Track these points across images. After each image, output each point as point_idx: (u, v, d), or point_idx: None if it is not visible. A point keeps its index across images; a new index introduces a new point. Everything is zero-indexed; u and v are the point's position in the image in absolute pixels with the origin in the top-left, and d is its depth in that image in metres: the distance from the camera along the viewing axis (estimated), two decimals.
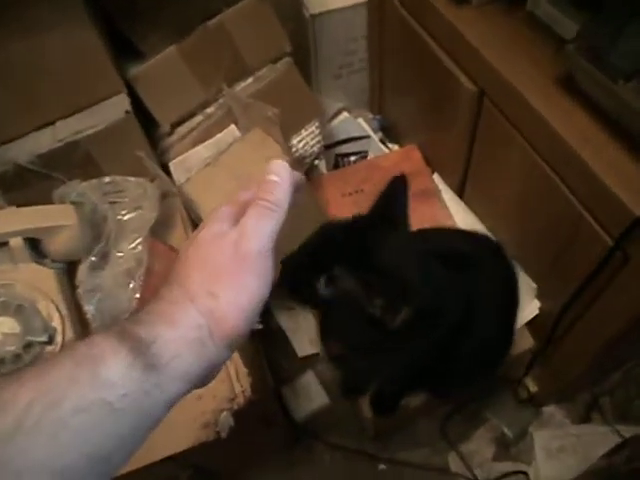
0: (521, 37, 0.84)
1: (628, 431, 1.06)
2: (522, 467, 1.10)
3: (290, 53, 1.09)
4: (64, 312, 0.72)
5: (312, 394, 1.20)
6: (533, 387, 1.14)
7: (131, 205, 0.89)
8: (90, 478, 0.26)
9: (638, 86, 0.62)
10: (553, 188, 0.78)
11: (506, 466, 1.11)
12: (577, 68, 0.69)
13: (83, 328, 0.77)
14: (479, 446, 1.15)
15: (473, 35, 0.86)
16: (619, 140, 0.70)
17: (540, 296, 0.97)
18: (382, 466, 1.15)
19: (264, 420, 0.98)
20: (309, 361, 1.24)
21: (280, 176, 0.33)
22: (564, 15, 0.77)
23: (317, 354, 1.24)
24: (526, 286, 0.97)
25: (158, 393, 0.28)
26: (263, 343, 1.18)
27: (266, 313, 1.25)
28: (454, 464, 1.13)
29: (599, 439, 1.08)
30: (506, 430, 1.15)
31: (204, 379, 0.32)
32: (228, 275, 0.30)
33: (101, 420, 0.25)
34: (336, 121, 1.37)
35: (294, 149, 1.14)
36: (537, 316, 0.98)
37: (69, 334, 0.72)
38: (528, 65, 0.80)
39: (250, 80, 1.07)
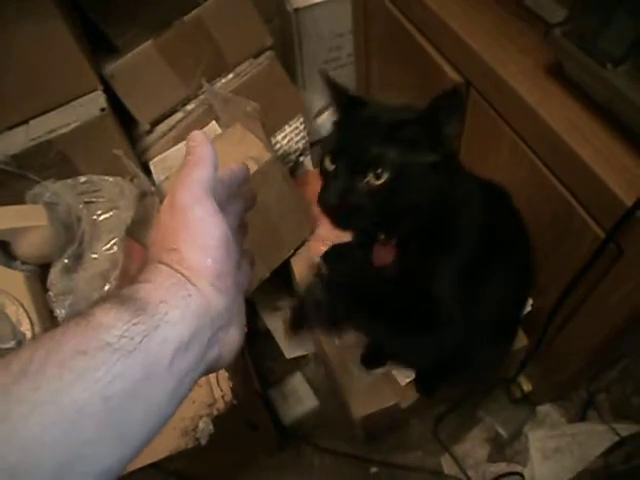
0: (507, 25, 0.82)
1: (625, 429, 1.04)
2: (517, 468, 1.07)
3: (271, 47, 1.06)
4: (34, 317, 0.69)
5: (301, 396, 1.17)
6: (527, 386, 1.12)
7: (107, 205, 0.86)
8: (106, 420, 0.26)
9: (628, 71, 0.59)
10: (543, 180, 0.76)
11: (501, 467, 1.08)
12: (565, 54, 0.67)
13: None
14: (473, 447, 1.12)
15: (458, 24, 0.84)
16: (610, 129, 0.67)
17: (532, 292, 0.95)
18: (374, 469, 1.12)
19: (250, 424, 0.95)
20: (297, 363, 1.21)
21: (197, 140, 0.37)
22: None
23: (305, 355, 1.21)
24: None
25: (159, 338, 0.28)
26: (249, 345, 1.14)
27: (253, 315, 1.22)
28: (447, 466, 1.10)
29: (596, 438, 1.06)
30: (500, 430, 1.12)
31: (216, 332, 0.32)
32: (177, 229, 0.34)
33: (104, 360, 0.26)
34: (323, 117, 1.35)
35: (278, 145, 1.11)
36: (529, 313, 0.95)
37: None
38: (515, 54, 0.78)
39: (231, 75, 1.05)
